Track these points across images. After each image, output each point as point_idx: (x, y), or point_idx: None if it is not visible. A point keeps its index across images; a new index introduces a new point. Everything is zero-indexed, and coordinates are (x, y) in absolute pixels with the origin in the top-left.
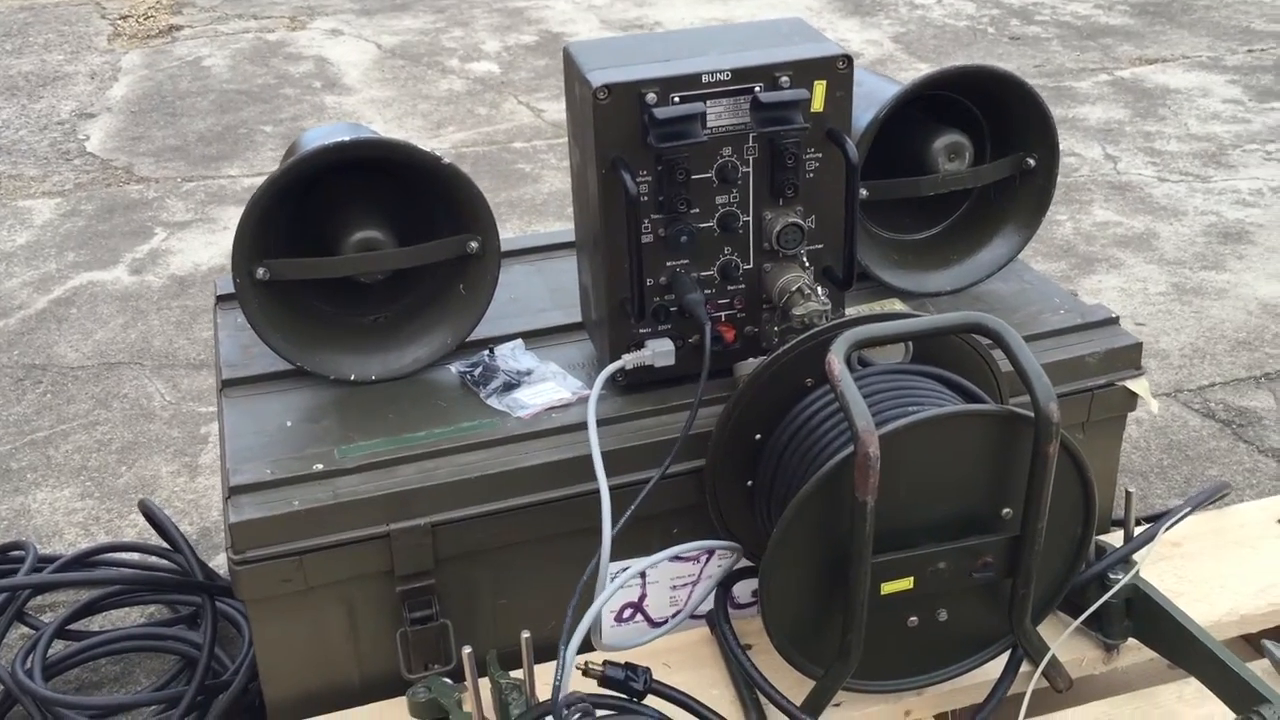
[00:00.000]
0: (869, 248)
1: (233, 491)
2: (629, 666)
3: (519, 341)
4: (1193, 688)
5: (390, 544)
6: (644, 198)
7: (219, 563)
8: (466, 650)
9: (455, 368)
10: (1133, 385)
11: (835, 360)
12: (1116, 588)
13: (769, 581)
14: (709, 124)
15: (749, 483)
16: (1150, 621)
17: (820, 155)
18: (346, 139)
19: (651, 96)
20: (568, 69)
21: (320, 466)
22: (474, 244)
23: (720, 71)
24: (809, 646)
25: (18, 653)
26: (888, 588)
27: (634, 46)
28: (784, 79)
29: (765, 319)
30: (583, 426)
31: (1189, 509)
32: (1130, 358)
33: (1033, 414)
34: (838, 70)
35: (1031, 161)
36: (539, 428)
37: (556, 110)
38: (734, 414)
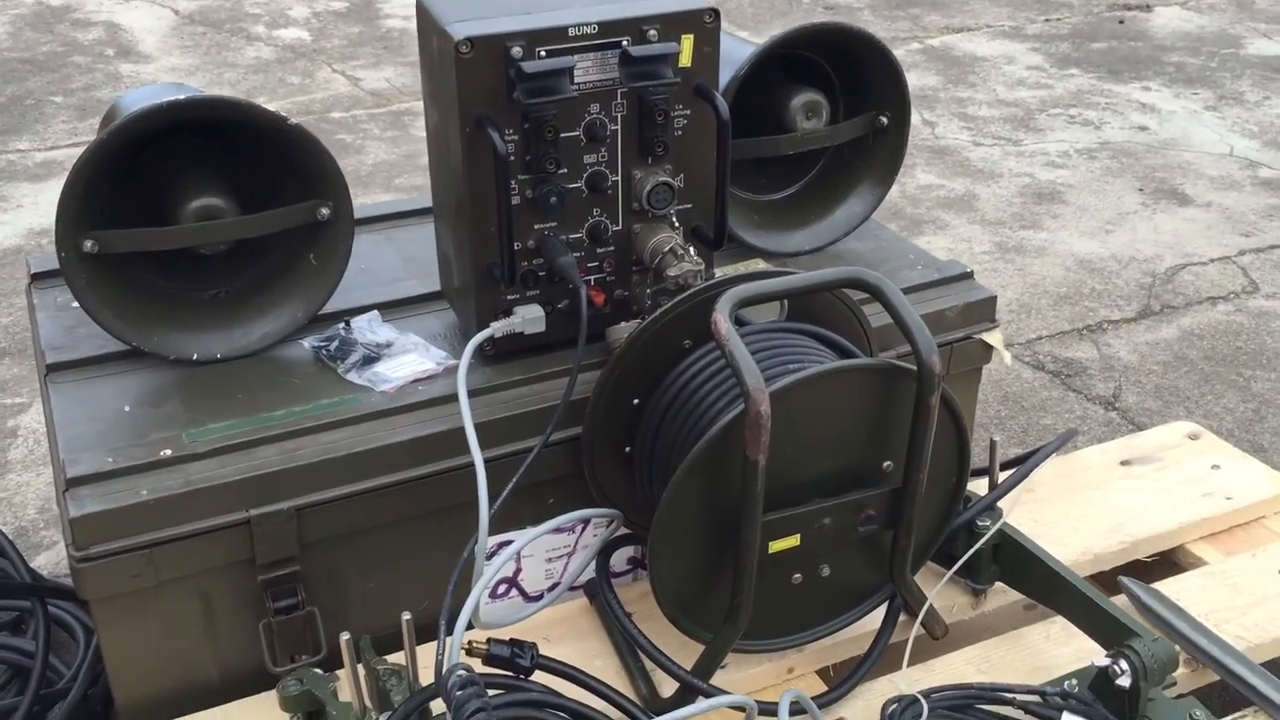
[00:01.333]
0: (729, 209)
1: (70, 484)
2: (514, 643)
3: (375, 313)
4: (1058, 626)
5: (251, 531)
6: (511, 157)
7: (39, 562)
8: (345, 637)
9: (309, 343)
10: (988, 338)
11: (721, 319)
12: (988, 535)
13: (657, 547)
14: (576, 79)
15: (627, 449)
16: (1017, 565)
17: (688, 112)
18: (180, 98)
19: (517, 50)
20: (421, 20)
21: (168, 452)
22: (325, 210)
23: (587, 24)
24: (696, 611)
25: None
26: (775, 546)
27: None
28: (651, 32)
29: (635, 281)
30: (450, 399)
31: (1048, 454)
32: (985, 311)
33: (915, 367)
34: (705, 24)
35: (884, 120)
36: (404, 402)
37: (375, 79)
38: (611, 379)
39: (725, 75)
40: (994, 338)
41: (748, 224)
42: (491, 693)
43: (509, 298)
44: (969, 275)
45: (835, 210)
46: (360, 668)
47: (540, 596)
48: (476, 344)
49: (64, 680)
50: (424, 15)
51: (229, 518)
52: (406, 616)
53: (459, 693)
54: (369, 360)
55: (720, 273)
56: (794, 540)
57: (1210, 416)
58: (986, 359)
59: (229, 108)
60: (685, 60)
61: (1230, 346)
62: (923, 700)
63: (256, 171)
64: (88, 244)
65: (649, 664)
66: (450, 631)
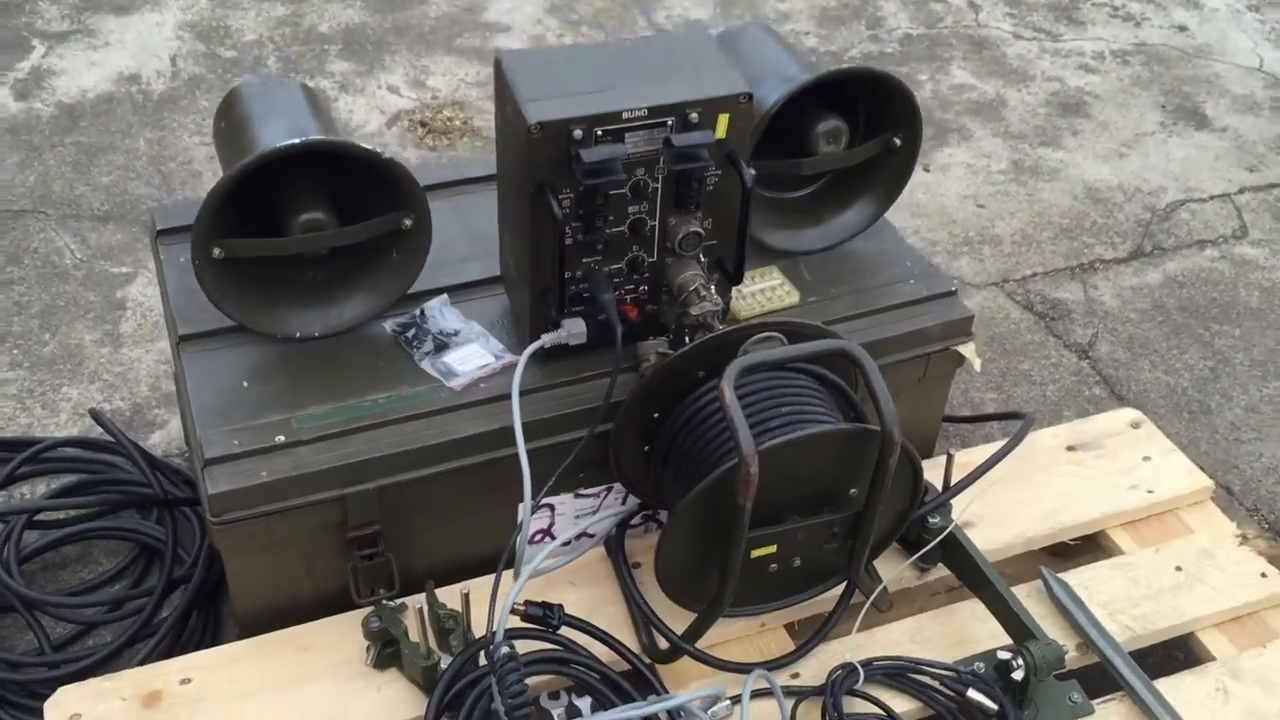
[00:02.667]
0: (752, 207)
1: (207, 464)
2: (545, 605)
3: (444, 298)
4: (982, 607)
5: (344, 504)
6: (565, 211)
7: (154, 441)
8: (421, 607)
9: (389, 325)
10: (963, 350)
11: (727, 390)
12: (936, 540)
13: (663, 547)
14: (627, 153)
15: (646, 447)
16: (957, 557)
17: (719, 172)
18: (297, 141)
19: (578, 133)
20: (499, 83)
21: (281, 439)
22: (408, 221)
23: (638, 109)
24: (690, 591)
25: None
26: (756, 553)
27: (562, 67)
28: (693, 115)
29: (665, 300)
30: (507, 397)
31: (1001, 458)
32: (963, 326)
33: (879, 429)
34: (739, 105)
35: (898, 141)
36: (469, 399)
37: None
38: (640, 395)
39: (770, 97)
40: (968, 350)
41: (764, 222)
42: (528, 645)
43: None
44: (953, 293)
45: (846, 213)
46: (425, 610)
47: (568, 543)
48: (529, 354)
49: (185, 566)
50: (501, 80)
51: (328, 494)
52: (465, 590)
53: (504, 666)
54: (440, 348)
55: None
56: (772, 549)
57: (1171, 373)
58: (960, 364)
59: (336, 148)
60: (720, 134)
61: (1206, 298)
62: (860, 669)
63: (351, 187)
64: (216, 251)
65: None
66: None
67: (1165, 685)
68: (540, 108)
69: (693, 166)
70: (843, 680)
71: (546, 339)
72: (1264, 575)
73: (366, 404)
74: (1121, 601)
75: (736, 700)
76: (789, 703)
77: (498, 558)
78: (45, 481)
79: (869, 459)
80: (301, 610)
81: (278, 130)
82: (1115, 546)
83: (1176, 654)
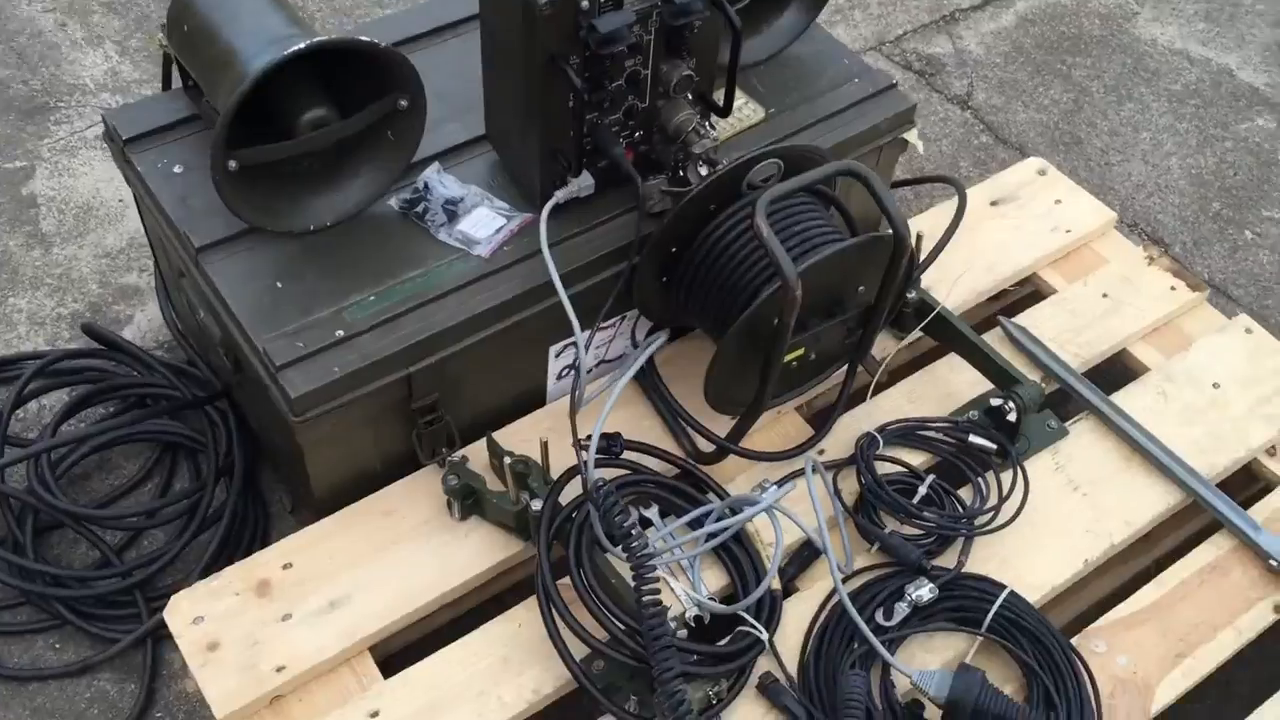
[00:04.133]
0: None
1: (279, 369)
2: (605, 436)
3: (437, 164)
4: (955, 361)
5: (410, 382)
6: (582, 86)
7: (125, 335)
8: (507, 461)
9: (395, 203)
10: (908, 136)
11: (763, 224)
12: (930, 316)
13: (715, 370)
14: (633, 16)
15: (664, 279)
16: (936, 321)
17: (706, 14)
18: (303, 46)
19: (585, 3)
20: None
21: (340, 333)
22: (403, 101)
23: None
24: (732, 398)
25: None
26: (788, 357)
27: None
28: None
29: (657, 141)
30: (531, 255)
31: (952, 234)
32: (907, 115)
33: (890, 234)
34: None
35: None
36: (500, 263)
37: None
38: (663, 232)
39: None
40: (912, 135)
41: None
42: (599, 473)
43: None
44: (894, 86)
45: (781, 18)
46: (507, 461)
47: (591, 370)
48: (549, 211)
49: (223, 457)
50: None
51: (395, 376)
52: (544, 439)
53: (606, 499)
54: (451, 217)
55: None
56: (800, 351)
57: (1041, 110)
58: (905, 148)
59: (339, 44)
60: None
61: (1055, 33)
62: (878, 436)
63: (341, 74)
64: (232, 164)
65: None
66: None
67: (1117, 399)
68: None
69: (690, 19)
70: (867, 448)
71: (560, 195)
72: (1173, 289)
73: (407, 285)
74: (1067, 333)
75: (780, 483)
76: (829, 474)
77: (528, 397)
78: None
79: (880, 261)
80: (373, 479)
81: (259, 34)
82: (1049, 286)
83: (1118, 370)
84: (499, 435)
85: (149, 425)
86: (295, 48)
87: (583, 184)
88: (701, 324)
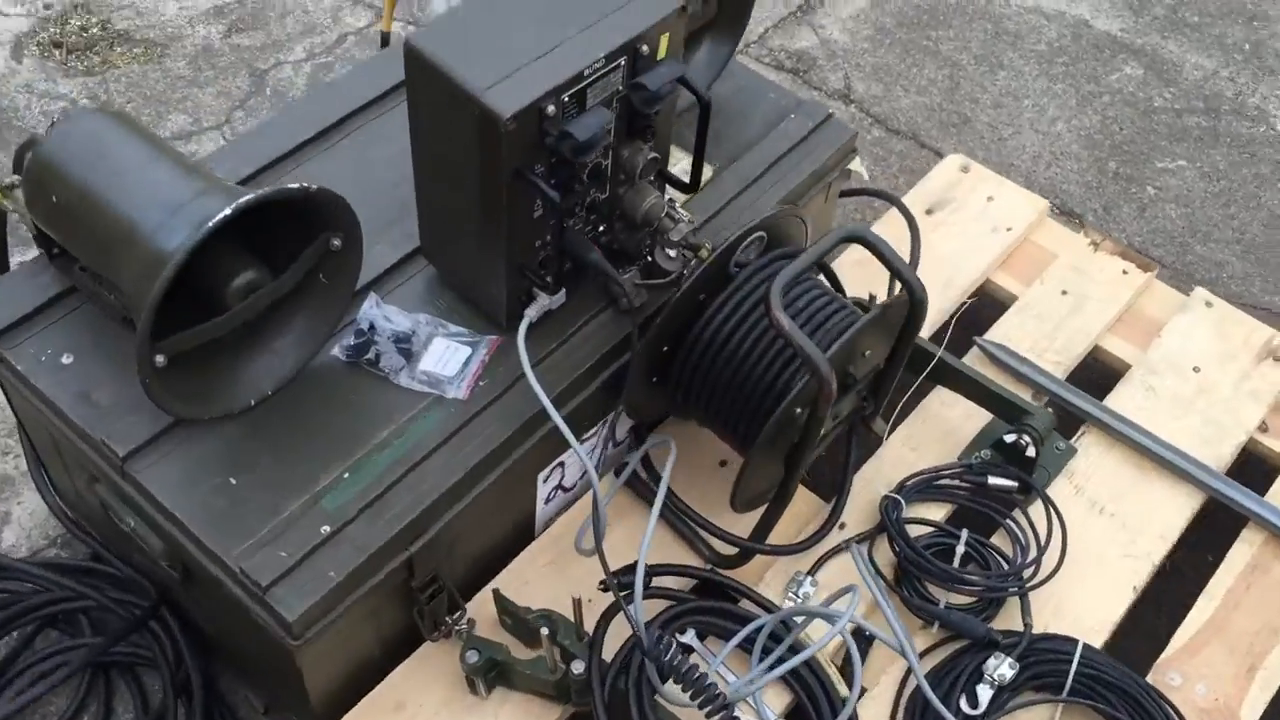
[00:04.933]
0: None
1: (268, 589)
2: (630, 569)
3: (373, 297)
4: (944, 395)
5: (411, 562)
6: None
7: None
8: (545, 632)
9: (338, 352)
10: (853, 167)
11: (783, 318)
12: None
13: (745, 477)
14: (607, 116)
15: (653, 379)
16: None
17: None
18: (228, 212)
19: (551, 109)
20: (419, 73)
21: (326, 529)
22: (336, 240)
23: (596, 61)
24: (754, 498)
25: None
26: None
27: (480, 35)
28: (644, 48)
29: (619, 229)
30: (513, 384)
31: (915, 262)
32: (850, 144)
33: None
34: (676, 19)
35: None
36: (480, 403)
37: None
38: (651, 335)
39: None
40: (856, 164)
41: None
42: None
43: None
44: (830, 116)
45: (694, 57)
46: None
47: (573, 487)
48: (525, 333)
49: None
50: (426, 73)
51: (396, 563)
52: (578, 597)
53: (667, 655)
54: (407, 356)
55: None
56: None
57: (923, 92)
58: (849, 176)
59: (263, 200)
60: (661, 54)
61: (911, 7)
62: (900, 498)
63: (269, 220)
64: (159, 359)
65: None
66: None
67: (1109, 403)
68: (503, 95)
69: (661, 101)
70: (893, 513)
71: (533, 313)
72: (1125, 272)
73: (384, 452)
74: (1042, 341)
75: (812, 572)
76: (867, 565)
77: (518, 530)
78: None
79: (889, 325)
80: (373, 669)
81: (158, 199)
82: (1003, 290)
83: (1095, 367)
84: (500, 584)
85: (72, 655)
86: (219, 216)
87: (556, 297)
88: (707, 424)
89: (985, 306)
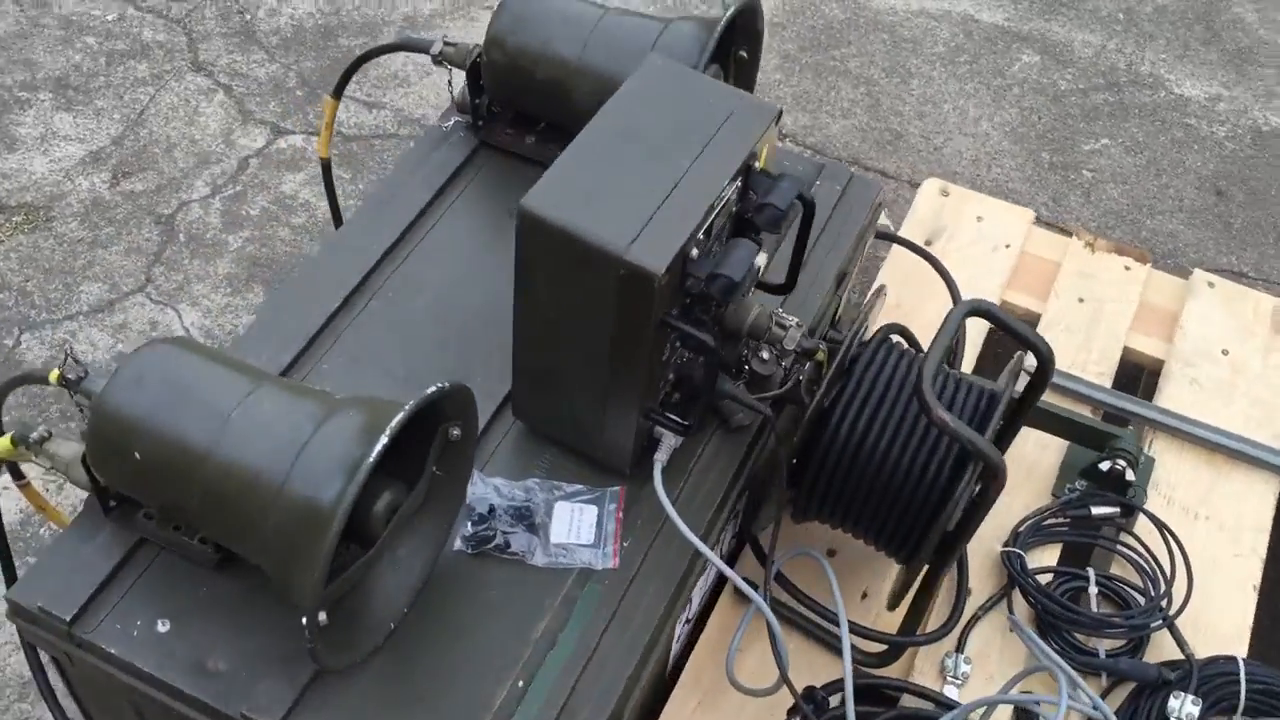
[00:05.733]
0: None
1: None
2: (807, 692)
3: (477, 474)
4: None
5: None
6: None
7: None
8: None
9: (462, 545)
10: (882, 219)
11: (945, 416)
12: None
13: (905, 576)
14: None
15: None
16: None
17: None
18: (371, 461)
19: (694, 252)
20: (541, 239)
21: None
22: (455, 431)
23: (722, 193)
24: (900, 591)
25: None
26: None
27: (598, 184)
28: (755, 164)
29: (721, 345)
30: (655, 535)
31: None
32: (878, 199)
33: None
34: (772, 127)
35: (744, 54)
36: (631, 567)
37: None
38: (778, 453)
39: None
40: (882, 215)
41: None
42: None
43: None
44: (852, 175)
45: None
46: None
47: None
48: (662, 480)
49: None
50: (554, 236)
51: None
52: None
53: None
54: (533, 530)
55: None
56: None
57: (848, 115)
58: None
59: (408, 416)
60: (762, 163)
61: (806, 29)
62: (1020, 551)
63: None
64: (322, 618)
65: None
66: None
67: (1161, 402)
68: (648, 250)
69: (787, 217)
70: (1020, 568)
71: (663, 458)
72: (1127, 268)
73: (555, 652)
74: (1080, 355)
75: (959, 650)
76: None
77: (654, 683)
78: None
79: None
80: None
81: (267, 436)
82: (1022, 309)
83: (1127, 370)
84: None
85: None
86: (374, 455)
87: (677, 439)
88: (845, 527)
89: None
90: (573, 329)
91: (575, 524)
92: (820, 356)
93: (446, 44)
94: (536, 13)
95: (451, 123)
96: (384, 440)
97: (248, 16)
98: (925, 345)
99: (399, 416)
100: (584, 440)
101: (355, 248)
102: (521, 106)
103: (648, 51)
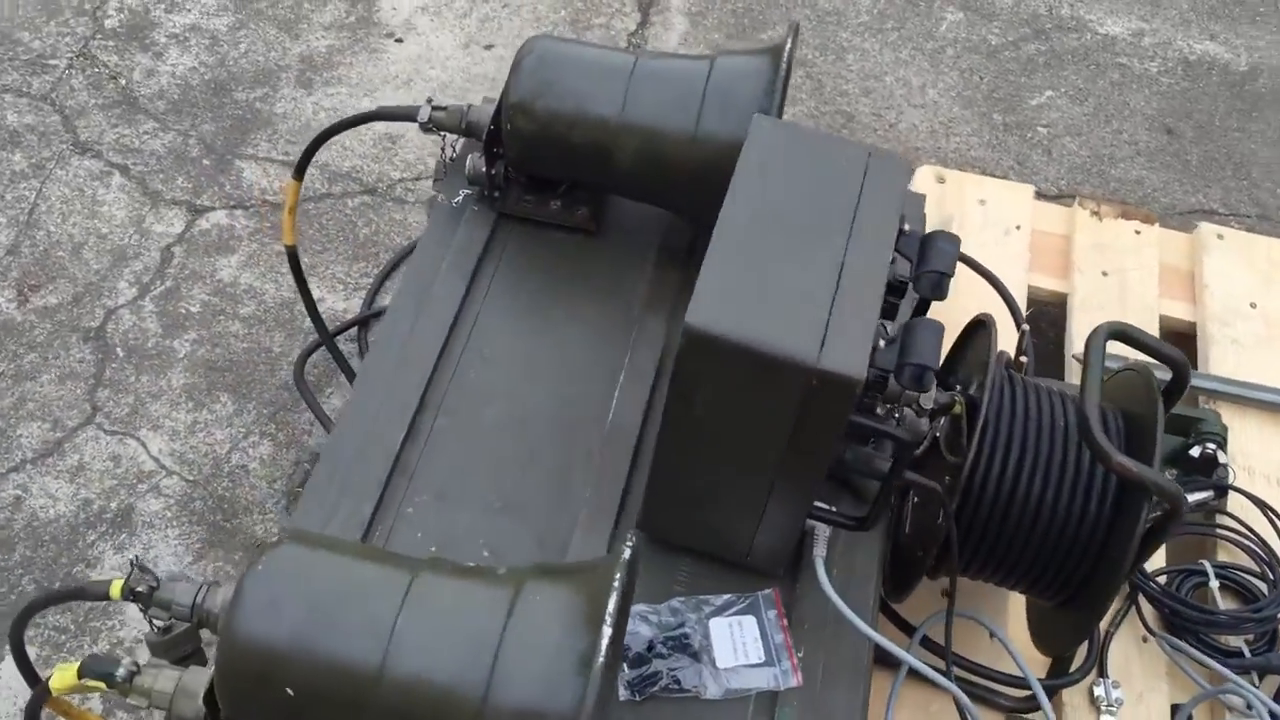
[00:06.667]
0: None
1: None
2: None
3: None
4: None
5: None
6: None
7: None
8: None
9: (624, 694)
10: None
11: (1125, 460)
12: None
13: (1077, 632)
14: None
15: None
16: None
17: None
18: (608, 641)
19: (883, 343)
20: (720, 355)
21: None
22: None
23: (888, 263)
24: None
25: None
26: None
27: (758, 283)
28: (906, 225)
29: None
30: (823, 635)
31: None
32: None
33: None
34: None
35: None
36: (816, 675)
37: None
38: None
39: None
40: None
41: None
42: None
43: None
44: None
45: None
46: None
47: None
48: (826, 576)
49: None
50: (733, 350)
51: None
52: None
53: None
54: (696, 659)
55: None
56: None
57: (793, 102)
58: None
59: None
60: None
61: (729, 14)
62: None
63: None
64: None
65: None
66: None
67: (1212, 369)
68: (839, 354)
69: (942, 280)
70: (1140, 574)
71: (822, 551)
72: (1138, 232)
73: None
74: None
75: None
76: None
77: None
78: None
79: None
80: None
81: (450, 639)
82: (1048, 291)
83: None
84: None
85: None
86: (603, 652)
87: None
88: (999, 580)
89: (1039, 314)
90: (737, 438)
91: (738, 642)
92: (957, 410)
93: (435, 108)
94: (563, 71)
95: (461, 196)
96: (608, 630)
97: (122, 82)
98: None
99: (613, 599)
100: (729, 548)
101: (403, 359)
102: (551, 173)
103: (696, 98)
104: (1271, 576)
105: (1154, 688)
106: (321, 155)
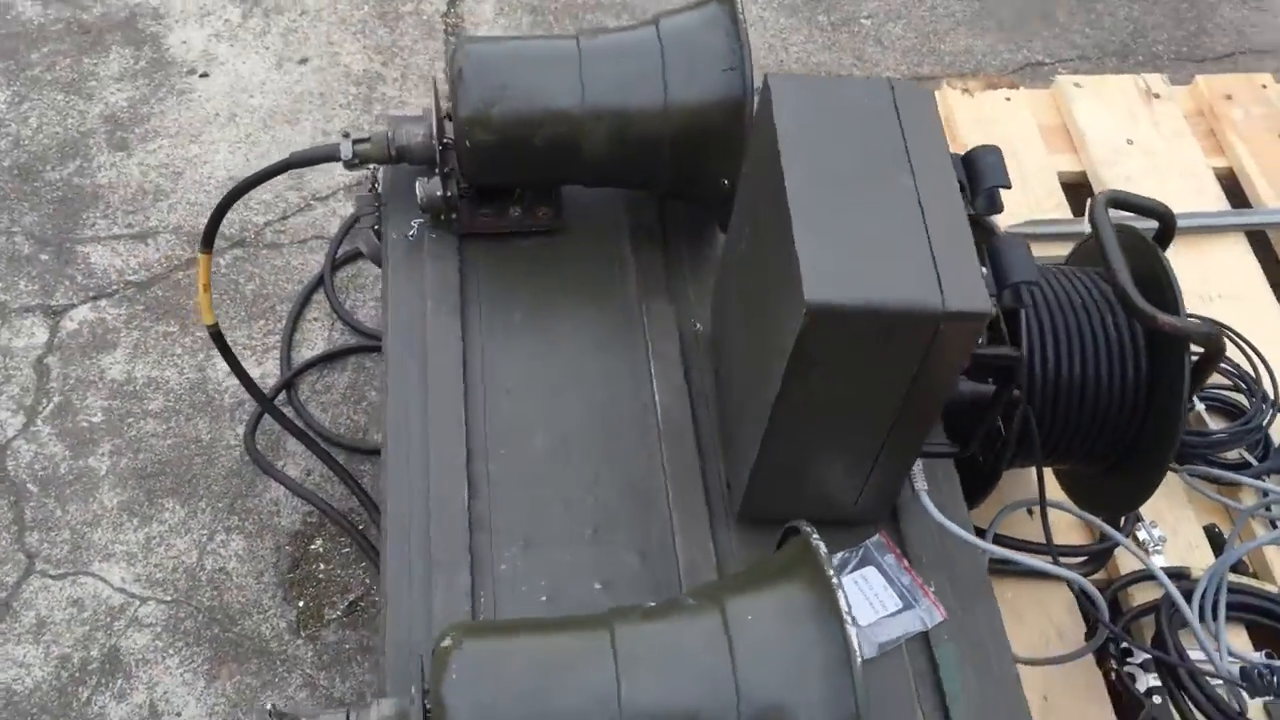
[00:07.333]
0: None
1: None
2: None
3: None
4: None
5: None
6: None
7: None
8: None
9: None
10: None
11: (1176, 320)
12: None
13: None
14: None
15: None
16: None
17: None
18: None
19: (986, 270)
20: (843, 322)
21: None
22: None
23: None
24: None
25: None
26: None
27: (854, 254)
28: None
29: None
30: (939, 564)
31: None
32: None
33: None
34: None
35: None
36: (953, 609)
37: None
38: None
39: None
40: None
41: None
42: None
43: None
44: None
45: None
46: None
47: None
48: (932, 503)
49: None
50: (855, 315)
51: None
52: None
53: None
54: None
55: None
56: None
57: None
58: None
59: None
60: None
61: None
62: None
63: None
64: None
65: None
66: None
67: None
68: (960, 291)
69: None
70: None
71: (923, 484)
72: (1008, 99)
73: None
74: (1029, 200)
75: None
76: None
77: None
78: None
79: None
80: None
81: (689, 699)
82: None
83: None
84: None
85: None
86: (857, 657)
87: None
88: (1060, 460)
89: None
90: (857, 401)
91: (870, 595)
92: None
93: (356, 142)
94: (510, 72)
95: (415, 226)
96: (851, 628)
97: None
98: None
99: (841, 595)
100: (834, 507)
101: (430, 415)
102: (512, 180)
103: (656, 67)
104: (1246, 387)
105: (1183, 517)
106: (169, 220)
